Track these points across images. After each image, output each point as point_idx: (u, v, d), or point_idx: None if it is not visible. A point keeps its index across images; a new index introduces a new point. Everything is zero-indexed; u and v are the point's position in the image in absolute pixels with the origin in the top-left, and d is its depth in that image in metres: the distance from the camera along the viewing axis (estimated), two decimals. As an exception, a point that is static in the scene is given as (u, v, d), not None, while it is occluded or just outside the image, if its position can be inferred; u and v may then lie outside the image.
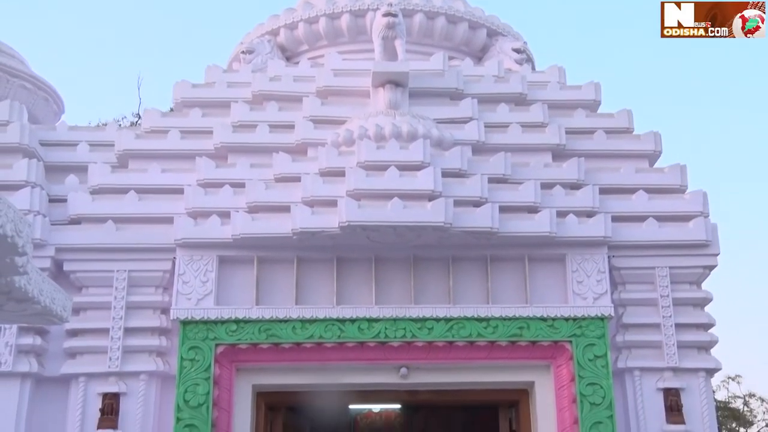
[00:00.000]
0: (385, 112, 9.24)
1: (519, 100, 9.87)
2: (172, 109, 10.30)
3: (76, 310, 8.41)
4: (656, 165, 9.67)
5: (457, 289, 8.68)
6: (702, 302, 8.93)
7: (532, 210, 8.63)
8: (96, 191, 8.99)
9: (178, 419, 8.08)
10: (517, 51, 11.36)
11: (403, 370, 8.60)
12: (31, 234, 4.25)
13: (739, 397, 27.46)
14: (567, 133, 9.47)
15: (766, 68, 46.33)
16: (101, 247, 8.64)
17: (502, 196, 8.57)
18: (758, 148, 46.45)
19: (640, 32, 50.72)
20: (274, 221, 8.43)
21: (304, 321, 8.45)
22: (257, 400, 8.73)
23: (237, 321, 8.43)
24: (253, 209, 8.56)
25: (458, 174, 8.63)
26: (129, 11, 46.28)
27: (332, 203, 8.23)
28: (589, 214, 8.77)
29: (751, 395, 27.44)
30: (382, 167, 8.40)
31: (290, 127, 9.37)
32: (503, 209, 8.40)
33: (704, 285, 9.03)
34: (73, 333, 8.55)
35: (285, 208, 8.39)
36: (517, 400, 9.03)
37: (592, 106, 10.08)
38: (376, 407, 13.24)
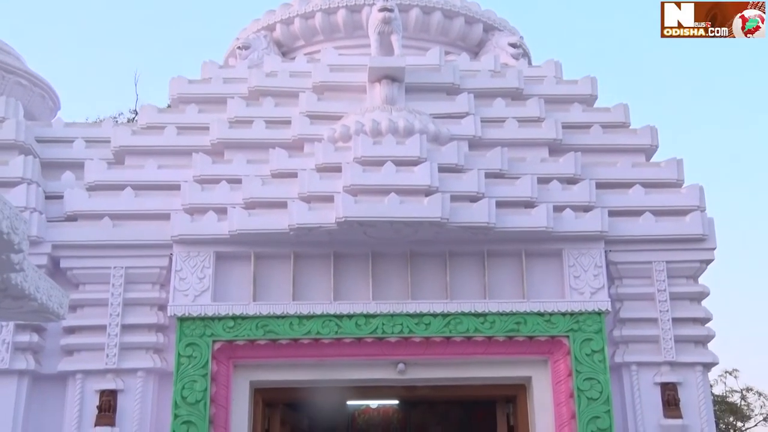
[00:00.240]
0: (382, 107, 9.24)
1: (515, 95, 9.87)
2: (169, 106, 10.27)
3: (73, 307, 8.41)
4: (653, 159, 9.67)
5: (454, 285, 8.68)
6: (699, 296, 8.94)
7: (529, 205, 8.62)
8: (92, 188, 8.98)
9: (175, 416, 8.07)
10: (514, 46, 11.36)
11: (401, 365, 8.60)
12: (28, 231, 4.23)
13: (736, 391, 27.46)
14: (563, 127, 9.48)
15: (763, 64, 46.33)
16: (98, 243, 8.63)
17: (499, 191, 8.57)
18: (755, 143, 46.50)
19: (636, 26, 50.67)
20: (271, 217, 8.42)
21: (301, 317, 8.45)
22: (255, 397, 8.72)
23: (234, 317, 8.42)
24: (250, 205, 8.55)
25: (455, 169, 8.63)
26: (125, 7, 46.20)
27: (329, 199, 8.22)
28: (586, 209, 8.77)
29: (749, 389, 27.44)
30: (378, 162, 8.40)
31: (287, 122, 9.36)
32: (500, 204, 8.40)
33: (701, 279, 9.05)
34: (70, 330, 8.54)
35: (282, 204, 8.38)
36: (514, 396, 9.03)
37: (588, 100, 10.08)
38: (374, 403, 13.23)
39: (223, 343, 8.40)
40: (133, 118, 21.76)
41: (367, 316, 8.49)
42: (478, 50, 11.70)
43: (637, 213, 8.92)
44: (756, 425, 27.42)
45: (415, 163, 8.42)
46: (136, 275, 8.66)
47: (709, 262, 8.93)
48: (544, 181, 8.84)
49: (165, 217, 8.65)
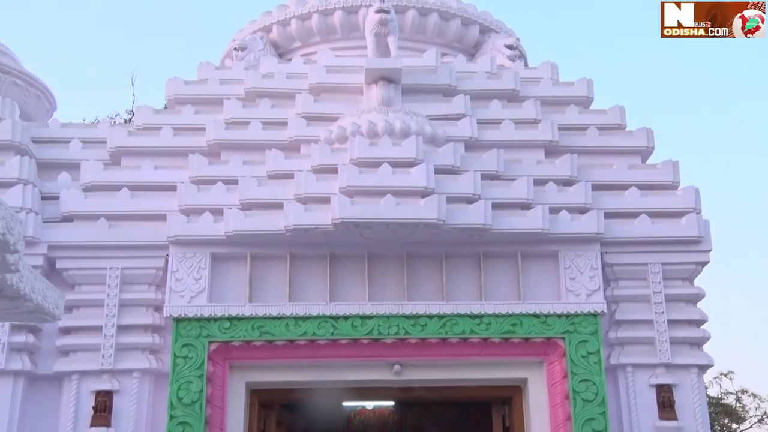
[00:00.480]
0: (378, 108, 9.24)
1: (512, 97, 9.88)
2: (165, 106, 10.28)
3: (69, 308, 8.41)
4: (649, 161, 9.69)
5: (450, 286, 8.68)
6: (694, 298, 8.95)
7: (525, 206, 8.64)
8: (88, 188, 8.97)
9: (171, 417, 8.07)
10: (510, 47, 11.38)
11: (397, 367, 8.61)
12: (23, 231, 4.23)
13: (731, 393, 27.50)
14: (560, 129, 9.49)
15: (761, 65, 46.40)
16: (94, 244, 8.62)
17: (495, 193, 8.58)
18: (751, 145, 46.57)
19: (636, 26, 50.73)
20: (267, 218, 8.42)
21: (297, 318, 8.45)
22: (251, 398, 8.71)
23: (230, 318, 8.42)
24: (246, 206, 8.56)
25: (451, 171, 8.64)
26: (122, 7, 46.17)
27: (325, 200, 8.22)
28: (582, 211, 8.79)
29: (744, 391, 27.48)
30: (374, 164, 8.40)
31: (283, 124, 9.36)
32: (496, 206, 8.41)
33: (697, 281, 9.05)
34: (66, 331, 8.54)
35: (278, 205, 8.39)
36: (510, 397, 9.04)
37: (584, 102, 10.09)
38: (370, 404, 13.23)
39: (218, 344, 8.39)
40: (130, 119, 21.76)
41: (363, 317, 8.49)
42: (474, 52, 11.71)
43: (632, 215, 8.93)
44: (751, 427, 27.47)
45: (411, 164, 8.43)
46: (132, 276, 8.65)
47: (704, 264, 8.94)
48: (540, 182, 8.85)
49: (161, 217, 8.64)
